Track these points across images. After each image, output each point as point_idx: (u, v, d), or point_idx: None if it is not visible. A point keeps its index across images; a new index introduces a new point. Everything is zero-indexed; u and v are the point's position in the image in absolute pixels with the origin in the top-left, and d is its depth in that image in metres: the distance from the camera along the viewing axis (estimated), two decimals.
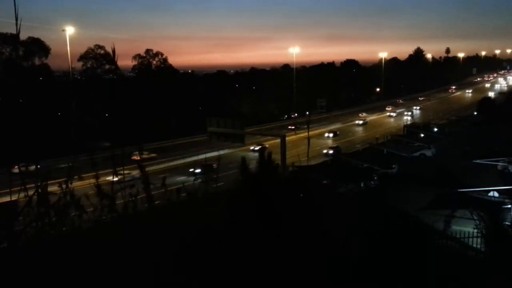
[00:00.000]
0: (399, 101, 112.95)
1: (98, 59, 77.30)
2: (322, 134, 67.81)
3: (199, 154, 44.90)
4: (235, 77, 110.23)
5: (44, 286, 2.85)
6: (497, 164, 34.65)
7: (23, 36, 64.20)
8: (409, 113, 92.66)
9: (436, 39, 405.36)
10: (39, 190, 3.06)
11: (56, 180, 3.27)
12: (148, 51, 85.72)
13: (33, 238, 3.04)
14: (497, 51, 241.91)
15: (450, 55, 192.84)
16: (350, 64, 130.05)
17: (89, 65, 78.02)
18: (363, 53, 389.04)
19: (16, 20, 2.97)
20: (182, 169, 43.88)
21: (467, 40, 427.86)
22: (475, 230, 7.34)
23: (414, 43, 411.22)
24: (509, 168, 33.76)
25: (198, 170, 38.12)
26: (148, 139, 53.75)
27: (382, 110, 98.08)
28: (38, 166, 3.34)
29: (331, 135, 68.42)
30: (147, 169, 3.66)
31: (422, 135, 62.25)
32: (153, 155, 48.25)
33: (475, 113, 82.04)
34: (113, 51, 3.77)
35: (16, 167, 3.38)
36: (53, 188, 3.17)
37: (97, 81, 73.52)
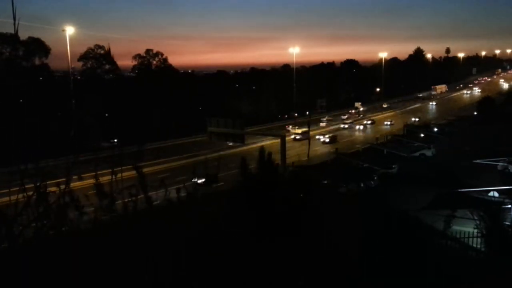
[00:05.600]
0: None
1: (98, 59, 77.35)
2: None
3: None
4: (235, 77, 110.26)
5: (44, 286, 2.84)
6: (497, 164, 34.63)
7: (23, 36, 64.20)
8: None
9: (436, 39, 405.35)
10: (39, 190, 3.06)
11: (55, 180, 3.27)
12: (148, 51, 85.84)
13: (32, 238, 3.03)
14: (497, 51, 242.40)
15: (450, 55, 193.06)
16: (350, 64, 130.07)
17: (89, 65, 78.08)
18: (363, 53, 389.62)
19: (14, 19, 2.96)
20: None
21: (467, 40, 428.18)
22: (475, 230, 7.34)
23: (414, 43, 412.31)
24: (509, 168, 33.73)
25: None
26: (148, 139, 53.74)
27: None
28: (37, 166, 3.33)
29: None
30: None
31: (422, 135, 62.30)
32: None
33: (475, 113, 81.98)
34: (109, 51, 3.76)
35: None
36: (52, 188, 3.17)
37: (97, 81, 73.58)
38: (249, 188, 5.58)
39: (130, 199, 3.44)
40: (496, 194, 25.46)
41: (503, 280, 5.51)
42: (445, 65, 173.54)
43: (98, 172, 3.54)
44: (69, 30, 55.98)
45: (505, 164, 34.16)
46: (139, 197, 3.51)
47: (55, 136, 46.46)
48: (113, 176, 3.39)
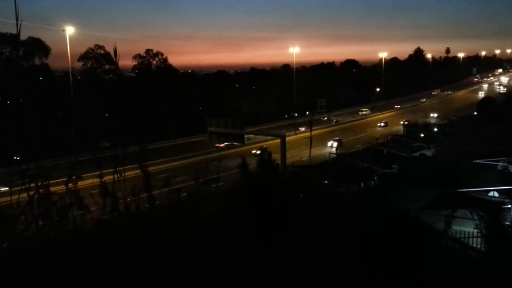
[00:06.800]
0: None
1: (98, 59, 77.43)
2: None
3: None
4: (235, 77, 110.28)
5: (45, 286, 2.85)
6: (497, 164, 34.62)
7: (23, 36, 64.10)
8: None
9: (436, 39, 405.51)
10: (40, 190, 3.06)
11: (56, 180, 3.27)
12: (148, 51, 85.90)
13: (33, 238, 3.04)
14: (497, 51, 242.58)
15: (450, 55, 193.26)
16: (350, 64, 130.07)
17: (89, 65, 78.15)
18: (363, 53, 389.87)
19: (17, 20, 2.96)
20: None
21: (467, 40, 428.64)
22: (475, 230, 7.35)
23: (414, 43, 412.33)
24: (509, 168, 33.72)
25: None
26: (148, 139, 53.76)
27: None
28: (38, 166, 3.34)
29: None
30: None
31: (422, 135, 62.32)
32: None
33: (475, 113, 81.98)
34: (115, 51, 3.76)
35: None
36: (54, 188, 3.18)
37: (97, 81, 73.62)
38: (249, 188, 5.59)
39: (132, 199, 3.45)
40: (496, 194, 25.47)
41: (503, 280, 5.52)
42: (445, 65, 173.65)
43: (100, 172, 3.54)
44: (69, 30, 56.04)
45: (505, 164, 34.15)
46: (140, 196, 3.51)
47: (55, 136, 46.37)
48: (116, 176, 3.39)
